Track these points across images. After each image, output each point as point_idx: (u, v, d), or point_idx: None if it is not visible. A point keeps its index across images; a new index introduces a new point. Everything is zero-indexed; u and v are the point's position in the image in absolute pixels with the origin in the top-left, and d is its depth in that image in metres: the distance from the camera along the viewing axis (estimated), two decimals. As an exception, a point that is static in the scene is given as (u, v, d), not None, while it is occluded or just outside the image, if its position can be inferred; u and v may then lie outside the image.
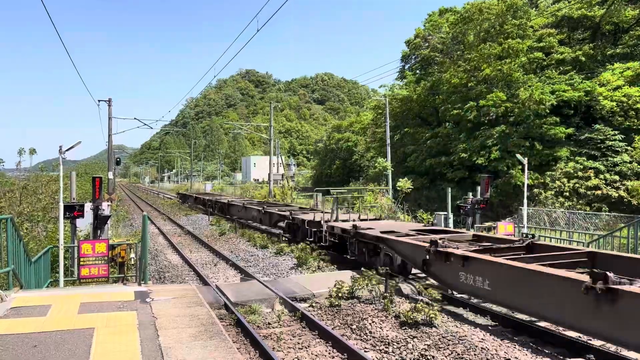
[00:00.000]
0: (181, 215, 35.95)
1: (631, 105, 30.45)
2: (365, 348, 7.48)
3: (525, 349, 7.32)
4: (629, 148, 29.95)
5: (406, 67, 52.14)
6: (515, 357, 6.96)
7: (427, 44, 45.36)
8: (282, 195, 39.28)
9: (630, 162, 29.38)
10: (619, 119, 30.86)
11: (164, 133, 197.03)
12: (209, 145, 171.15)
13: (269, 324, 8.75)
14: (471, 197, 17.50)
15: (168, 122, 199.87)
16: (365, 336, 8.01)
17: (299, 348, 7.51)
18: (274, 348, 7.42)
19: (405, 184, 32.40)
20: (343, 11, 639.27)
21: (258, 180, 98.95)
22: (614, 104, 30.78)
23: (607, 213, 22.91)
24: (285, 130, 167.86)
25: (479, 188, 17.37)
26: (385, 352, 7.27)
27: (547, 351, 7.25)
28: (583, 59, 34.96)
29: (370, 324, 8.56)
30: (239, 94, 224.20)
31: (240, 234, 22.83)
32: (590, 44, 36.01)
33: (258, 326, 8.60)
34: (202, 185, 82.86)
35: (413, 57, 50.47)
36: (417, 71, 49.12)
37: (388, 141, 37.35)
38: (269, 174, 44.28)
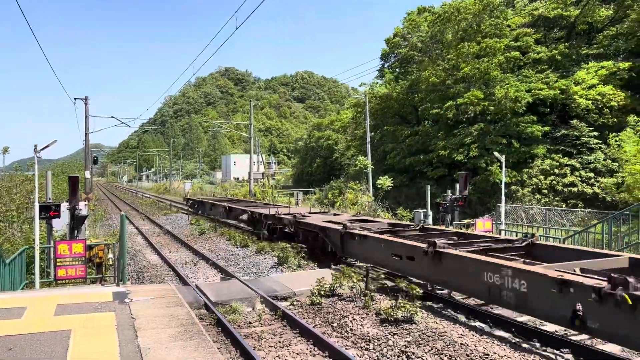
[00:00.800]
0: (160, 215, 35.57)
1: (605, 104, 31.08)
2: (347, 346, 7.50)
3: (503, 344, 7.43)
4: (603, 146, 30.56)
5: (386, 65, 52.40)
6: (494, 352, 7.05)
7: (406, 43, 45.63)
8: (263, 194, 39.14)
9: (605, 160, 29.99)
10: (594, 116, 31.48)
11: (142, 131, 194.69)
12: (188, 144, 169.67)
13: (250, 323, 8.72)
14: (450, 194, 17.70)
15: (146, 121, 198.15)
16: (346, 334, 8.03)
17: (280, 347, 7.50)
18: (254, 347, 7.39)
19: (385, 182, 32.61)
20: (322, 9, 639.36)
21: (238, 178, 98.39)
22: (589, 102, 31.38)
23: (582, 209, 23.37)
24: (265, 129, 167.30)
25: (457, 185, 17.55)
26: (366, 350, 7.31)
27: (524, 346, 7.37)
28: (559, 58, 35.55)
29: (351, 321, 8.59)
30: (219, 92, 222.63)
31: (220, 233, 22.69)
32: (566, 43, 36.64)
33: (239, 325, 8.56)
34: (182, 184, 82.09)
35: (393, 55, 50.73)
36: (397, 69, 49.41)
37: (368, 139, 37.50)
38: (249, 173, 44.09)
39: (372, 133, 42.64)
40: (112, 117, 38.46)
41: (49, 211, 12.20)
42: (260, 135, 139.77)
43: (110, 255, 12.19)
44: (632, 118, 21.60)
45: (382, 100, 44.44)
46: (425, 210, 19.28)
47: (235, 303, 9.49)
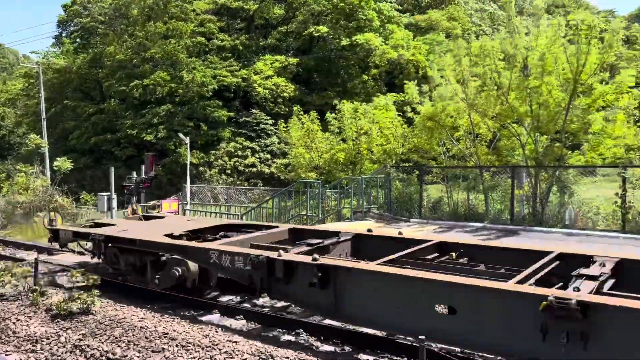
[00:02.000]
0: None
1: (279, 94, 35.17)
2: (7, 351, 6.57)
3: (184, 320, 7.68)
4: (277, 131, 34.59)
5: (64, 34, 47.18)
6: (174, 330, 7.22)
7: (87, 12, 41.96)
8: None
9: (279, 143, 34.03)
10: (270, 105, 35.28)
11: None
12: None
13: None
14: (135, 175, 17.25)
15: None
16: (7, 338, 7.03)
17: None
18: None
19: (63, 163, 29.60)
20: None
21: None
22: (266, 91, 34.98)
23: (259, 187, 26.04)
24: None
25: (144, 167, 17.25)
26: (33, 351, 6.55)
27: (202, 319, 7.81)
28: (240, 47, 38.38)
29: (14, 323, 7.54)
30: None
31: None
32: (247, 35, 39.79)
33: None
34: None
35: (72, 24, 45.98)
36: (78, 40, 45.07)
37: (43, 115, 33.23)
38: None
39: (48, 106, 38.01)
40: None
41: None
42: None
43: None
44: (296, 108, 24.90)
45: (60, 73, 39.95)
46: (109, 193, 18.29)
47: None
